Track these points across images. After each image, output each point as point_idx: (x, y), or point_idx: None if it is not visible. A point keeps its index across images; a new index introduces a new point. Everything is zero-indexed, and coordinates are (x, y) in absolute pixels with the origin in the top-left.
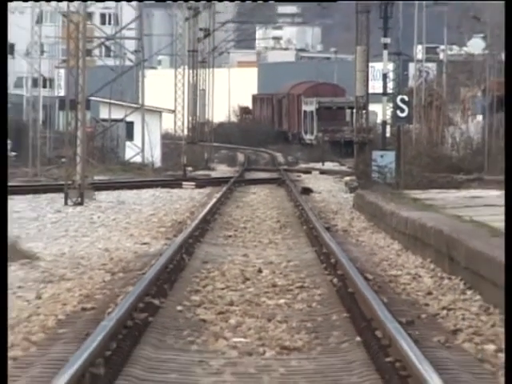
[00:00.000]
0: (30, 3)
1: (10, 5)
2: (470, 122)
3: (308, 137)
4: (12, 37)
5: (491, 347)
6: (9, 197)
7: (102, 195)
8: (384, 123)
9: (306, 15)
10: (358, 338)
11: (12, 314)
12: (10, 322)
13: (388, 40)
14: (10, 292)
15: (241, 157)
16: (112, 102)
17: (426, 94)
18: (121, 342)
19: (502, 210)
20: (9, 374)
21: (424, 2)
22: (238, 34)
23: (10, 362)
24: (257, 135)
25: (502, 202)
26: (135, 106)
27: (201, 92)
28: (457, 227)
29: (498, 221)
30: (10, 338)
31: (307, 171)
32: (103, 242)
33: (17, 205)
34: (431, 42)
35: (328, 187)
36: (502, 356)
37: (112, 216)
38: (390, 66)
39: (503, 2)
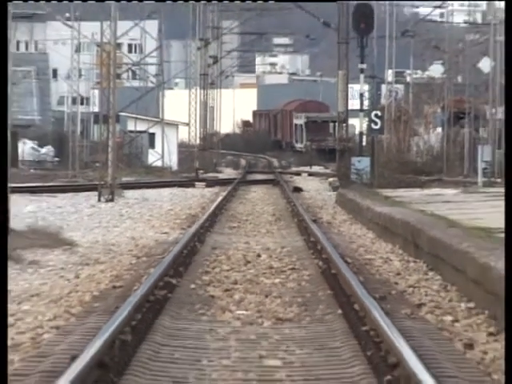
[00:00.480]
0: (69, 35)
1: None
2: (432, 133)
3: (298, 145)
4: (55, 63)
5: (449, 318)
6: (53, 194)
7: (129, 193)
8: (361, 134)
9: (296, 45)
10: (340, 311)
11: (55, 291)
12: (53, 298)
13: (364, 66)
14: (53, 273)
15: (243, 162)
16: (137, 116)
17: (395, 110)
18: (144, 314)
19: (458, 205)
20: (53, 340)
21: (394, 34)
22: (241, 61)
23: (53, 331)
24: (256, 144)
25: (458, 198)
26: (156, 120)
27: (210, 108)
28: (420, 219)
29: (455, 214)
30: (53, 311)
31: (297, 173)
32: (130, 232)
33: (59, 201)
34: (399, 68)
35: (315, 186)
36: (458, 325)
37: (137, 210)
38: (366, 87)
39: (503, 1)
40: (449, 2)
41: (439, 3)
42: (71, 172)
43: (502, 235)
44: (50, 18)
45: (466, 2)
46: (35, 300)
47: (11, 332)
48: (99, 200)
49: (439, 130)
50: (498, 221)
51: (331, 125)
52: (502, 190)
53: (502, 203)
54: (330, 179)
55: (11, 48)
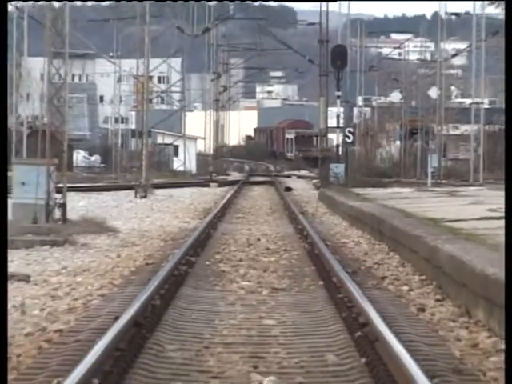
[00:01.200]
0: (112, 69)
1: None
2: (392, 145)
3: (289, 154)
4: (102, 91)
5: (405, 288)
6: (100, 192)
7: (158, 191)
8: (337, 146)
9: (288, 77)
10: (321, 282)
11: (101, 267)
12: (100, 272)
13: (340, 93)
14: (100, 253)
15: (246, 167)
16: (165, 132)
17: (363, 127)
18: (170, 285)
19: (412, 200)
20: (100, 305)
21: (362, 69)
22: (245, 89)
23: (100, 298)
24: (257, 153)
25: (412, 195)
26: (179, 135)
27: (221, 126)
28: (383, 211)
29: (410, 208)
30: (100, 282)
31: (288, 176)
32: (159, 221)
33: (104, 197)
34: (367, 94)
35: (302, 186)
36: (412, 293)
37: (165, 204)
38: (341, 110)
39: (503, 2)
40: (405, 43)
41: (397, 45)
42: (114, 175)
43: (447, 224)
44: (98, 57)
45: (419, 44)
46: (86, 274)
47: (68, 299)
48: (135, 197)
49: (398, 142)
50: (443, 213)
51: (314, 138)
52: (447, 188)
53: (446, 199)
54: (314, 181)
55: (68, 79)
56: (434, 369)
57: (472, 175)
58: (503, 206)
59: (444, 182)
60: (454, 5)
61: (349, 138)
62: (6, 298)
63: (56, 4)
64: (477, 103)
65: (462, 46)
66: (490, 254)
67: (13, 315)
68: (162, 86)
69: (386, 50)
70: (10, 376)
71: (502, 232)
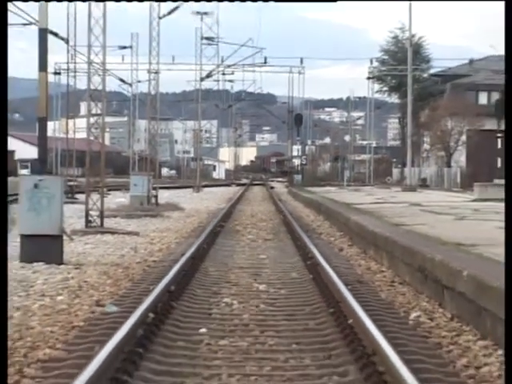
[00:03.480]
0: (181, 125)
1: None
2: (325, 164)
3: (272, 170)
4: (176, 137)
5: (332, 239)
6: (174, 190)
7: (205, 189)
8: (297, 166)
9: (272, 130)
10: (290, 236)
11: (176, 227)
12: (175, 230)
13: (299, 138)
14: (175, 220)
15: (250, 176)
16: (208, 158)
17: (311, 156)
18: (211, 237)
19: (337, 193)
20: (174, 247)
21: (310, 125)
22: (250, 136)
23: (175, 244)
24: (256, 169)
25: (336, 191)
26: (216, 159)
27: (237, 155)
28: (322, 199)
29: (335, 197)
30: (175, 235)
31: (272, 181)
32: (205, 204)
33: (178, 192)
34: (313, 139)
35: (279, 186)
36: (336, 241)
37: (209, 196)
38: (300, 147)
39: (503, 2)
40: (332, 112)
41: (328, 113)
42: (182, 180)
43: (354, 205)
44: (173, 119)
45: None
46: (168, 231)
47: (158, 244)
48: (193, 192)
49: (328, 163)
50: (352, 199)
51: (286, 162)
52: (354, 187)
53: (354, 192)
54: (285, 183)
55: (158, 131)
56: (347, 279)
57: (367, 180)
58: (384, 196)
59: (352, 184)
60: (358, 91)
61: (303, 161)
62: (5, 297)
63: (152, 91)
64: (369, 143)
65: (361, 113)
66: (375, 221)
67: (130, 253)
68: (207, 135)
69: (322, 116)
70: (127, 284)
71: (383, 209)
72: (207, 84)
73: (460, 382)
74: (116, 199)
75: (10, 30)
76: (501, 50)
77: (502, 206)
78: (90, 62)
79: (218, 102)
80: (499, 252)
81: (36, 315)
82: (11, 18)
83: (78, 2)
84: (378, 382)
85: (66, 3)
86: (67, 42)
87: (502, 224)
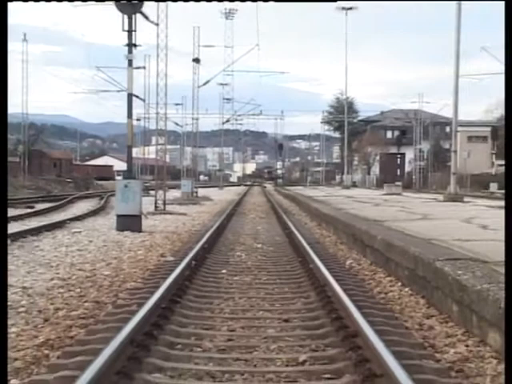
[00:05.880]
0: (212, 151)
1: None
2: (296, 173)
3: (266, 176)
4: (208, 157)
5: (300, 217)
6: (207, 188)
7: (225, 188)
8: (281, 174)
9: (265, 154)
10: (275, 215)
11: (209, 210)
12: (208, 211)
13: (281, 158)
14: (207, 206)
15: (252, 180)
16: (227, 169)
17: (287, 168)
18: (229, 216)
19: (305, 190)
20: (207, 223)
21: (288, 150)
22: (252, 156)
23: (208, 221)
24: (255, 177)
25: (305, 189)
26: (231, 171)
27: (244, 168)
28: (295, 194)
29: (309, 194)
30: (208, 215)
31: (265, 183)
32: (224, 196)
33: (209, 190)
34: (289, 158)
35: (269, 187)
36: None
37: (227, 192)
38: (281, 163)
39: (503, 2)
40: (302, 143)
41: (299, 143)
42: (212, 182)
43: (314, 198)
44: (207, 147)
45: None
46: (203, 213)
47: (198, 220)
48: (218, 189)
49: (298, 172)
50: (312, 194)
51: (273, 172)
52: (314, 186)
53: (316, 190)
54: (273, 184)
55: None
56: (309, 241)
57: (321, 182)
58: (330, 191)
59: (312, 184)
60: (316, 129)
61: (283, 171)
62: (5, 297)
63: (194, 130)
64: (322, 161)
65: (318, 143)
66: (326, 206)
67: (179, 225)
68: (226, 156)
69: (295, 145)
70: (179, 244)
71: (330, 199)
72: (226, 126)
73: (376, 302)
74: (173, 194)
75: (111, 93)
76: (399, 104)
77: (400, 197)
78: (157, 113)
79: (233, 136)
80: (401, 225)
81: (125, 262)
82: (111, 86)
83: (146, 73)
84: (324, 293)
85: (141, 80)
86: (144, 100)
87: (402, 208)
